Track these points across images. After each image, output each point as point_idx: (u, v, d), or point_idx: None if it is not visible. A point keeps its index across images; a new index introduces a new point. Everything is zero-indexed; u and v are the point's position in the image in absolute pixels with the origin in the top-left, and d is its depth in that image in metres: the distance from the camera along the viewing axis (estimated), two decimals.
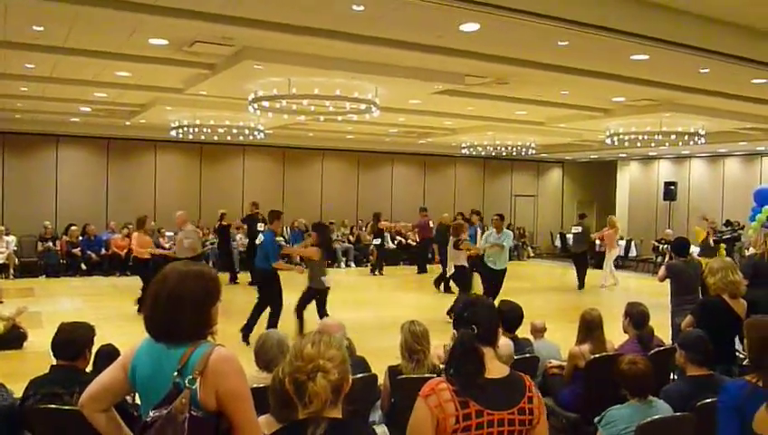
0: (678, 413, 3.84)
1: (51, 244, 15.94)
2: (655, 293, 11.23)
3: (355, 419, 2.16)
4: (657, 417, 3.74)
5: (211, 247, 17.05)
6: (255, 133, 14.82)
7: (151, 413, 2.28)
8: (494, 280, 11.45)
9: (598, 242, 17.38)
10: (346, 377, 2.11)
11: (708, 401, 3.86)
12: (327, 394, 2.01)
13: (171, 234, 14.58)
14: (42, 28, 7.57)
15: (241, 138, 15.24)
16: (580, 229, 15.83)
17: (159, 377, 2.34)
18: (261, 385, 3.65)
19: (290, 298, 9.28)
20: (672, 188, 20.07)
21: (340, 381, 2.07)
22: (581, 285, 15.27)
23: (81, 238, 16.26)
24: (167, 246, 14.93)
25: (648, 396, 3.89)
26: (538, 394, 2.53)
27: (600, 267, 16.27)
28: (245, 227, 15.85)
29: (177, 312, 2.37)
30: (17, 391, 3.95)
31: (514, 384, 2.50)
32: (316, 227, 10.43)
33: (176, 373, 2.30)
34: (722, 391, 3.26)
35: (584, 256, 15.77)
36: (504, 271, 11.49)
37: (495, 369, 2.49)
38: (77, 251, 15.99)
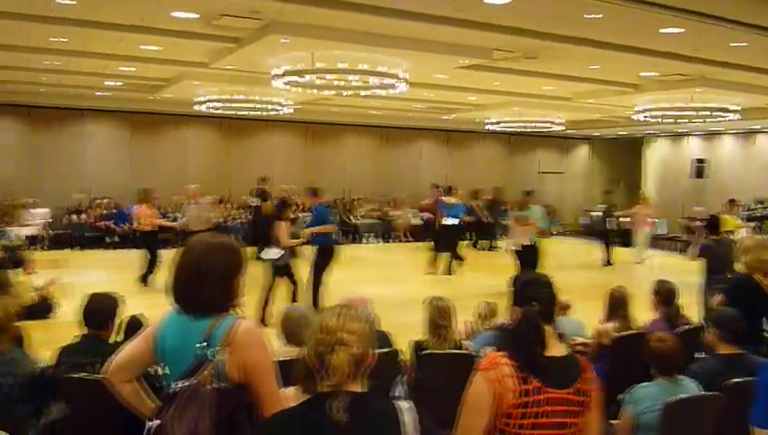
0: (707, 392, 3.78)
1: (79, 217, 16.14)
2: (683, 271, 11.08)
3: (377, 393, 2.14)
4: (684, 395, 3.69)
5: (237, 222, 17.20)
6: (281, 108, 14.81)
7: (176, 385, 2.29)
8: (522, 256, 11.47)
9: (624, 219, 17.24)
10: (369, 351, 2.09)
11: (739, 380, 3.80)
12: (347, 367, 2.00)
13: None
14: (68, 1, 7.58)
15: (266, 113, 15.24)
16: (604, 206, 15.93)
17: (185, 349, 2.35)
18: (284, 358, 3.67)
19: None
20: (702, 165, 19.73)
21: (362, 355, 2.05)
22: (608, 261, 15.20)
23: (108, 211, 16.45)
24: (171, 216, 15.13)
25: (675, 374, 3.84)
26: (594, 376, 2.53)
27: (627, 245, 16.11)
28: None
29: (202, 284, 2.37)
30: (47, 359, 4.02)
31: (573, 364, 2.51)
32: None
33: (201, 345, 2.31)
34: (762, 369, 3.20)
35: (606, 233, 15.62)
36: (531, 247, 11.48)
37: (555, 347, 2.49)
38: (105, 224, 16.18)
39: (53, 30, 8.97)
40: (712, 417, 3.76)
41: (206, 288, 2.37)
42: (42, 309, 8.49)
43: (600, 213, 16.13)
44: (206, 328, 2.34)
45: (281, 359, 3.62)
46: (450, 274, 13.19)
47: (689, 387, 3.81)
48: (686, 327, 5.44)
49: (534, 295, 2.54)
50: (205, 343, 2.31)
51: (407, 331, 5.22)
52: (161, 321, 2.47)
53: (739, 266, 5.57)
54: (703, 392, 3.78)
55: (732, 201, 13.90)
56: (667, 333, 4.12)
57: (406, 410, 2.04)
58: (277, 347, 4.09)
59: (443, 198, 13.90)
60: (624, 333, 5.24)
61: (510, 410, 2.37)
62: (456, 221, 13.21)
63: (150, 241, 11.57)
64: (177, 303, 2.43)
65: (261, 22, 8.22)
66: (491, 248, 17.74)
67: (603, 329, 5.38)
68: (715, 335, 4.15)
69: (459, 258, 13.53)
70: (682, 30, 7.85)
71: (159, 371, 2.54)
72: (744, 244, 5.47)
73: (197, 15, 8.01)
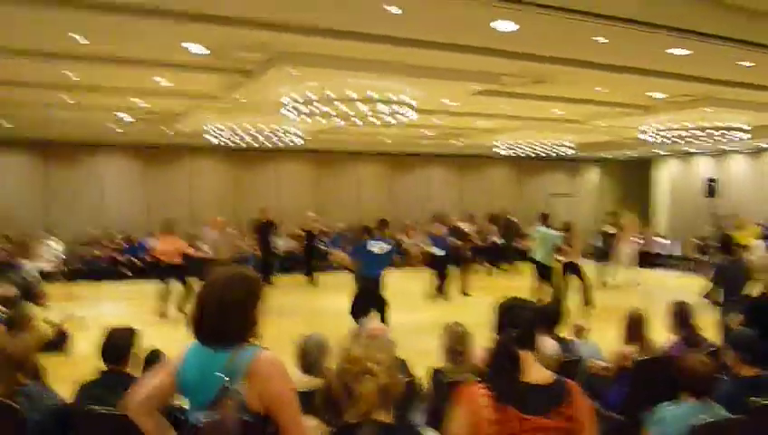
0: (733, 415, 3.71)
1: (95, 250, 16.24)
2: (698, 292, 10.96)
3: (405, 424, 2.14)
4: (711, 419, 3.62)
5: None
6: (292, 138, 14.91)
7: (199, 417, 2.29)
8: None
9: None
10: (395, 381, 2.09)
11: (766, 402, 3.75)
12: (374, 397, 1.99)
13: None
14: (80, 37, 7.69)
15: (279, 143, 15.35)
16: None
17: (206, 381, 2.36)
18: (303, 389, 3.66)
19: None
20: (713, 184, 19.59)
21: (389, 385, 2.05)
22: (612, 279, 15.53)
23: (124, 244, 16.54)
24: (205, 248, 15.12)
25: (706, 397, 3.78)
26: (585, 401, 2.43)
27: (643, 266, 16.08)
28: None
29: (225, 316, 2.39)
30: (64, 393, 4.02)
31: (557, 390, 2.41)
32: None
33: (223, 377, 2.31)
34: None
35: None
36: (541, 265, 11.86)
37: (536, 374, 2.42)
38: (120, 257, 16.26)
39: (68, 65, 9.09)
40: None
41: (228, 320, 2.38)
42: (58, 343, 8.56)
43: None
44: (228, 360, 2.34)
45: (298, 389, 3.62)
46: (441, 293, 13.42)
47: (719, 411, 3.74)
48: (709, 349, 5.39)
49: (512, 321, 2.48)
50: (227, 375, 2.31)
51: (424, 358, 5.20)
52: (183, 353, 2.48)
53: (757, 285, 5.54)
54: (729, 415, 3.72)
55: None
56: (705, 356, 4.04)
57: None
58: (294, 377, 4.08)
59: (432, 228, 13.97)
60: (646, 356, 5.19)
61: None
62: (442, 252, 13.24)
63: (179, 271, 11.58)
64: (199, 335, 2.44)
65: (269, 54, 8.32)
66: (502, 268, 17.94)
67: (625, 352, 5.33)
68: (735, 357, 4.10)
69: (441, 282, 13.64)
70: (689, 51, 7.87)
71: (181, 403, 2.55)
72: (761, 263, 5.44)
73: (205, 49, 8.11)
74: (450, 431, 2.37)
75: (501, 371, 2.37)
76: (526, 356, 2.41)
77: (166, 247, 11.61)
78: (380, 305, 9.29)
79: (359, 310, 9.19)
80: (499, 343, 2.44)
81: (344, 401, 2.04)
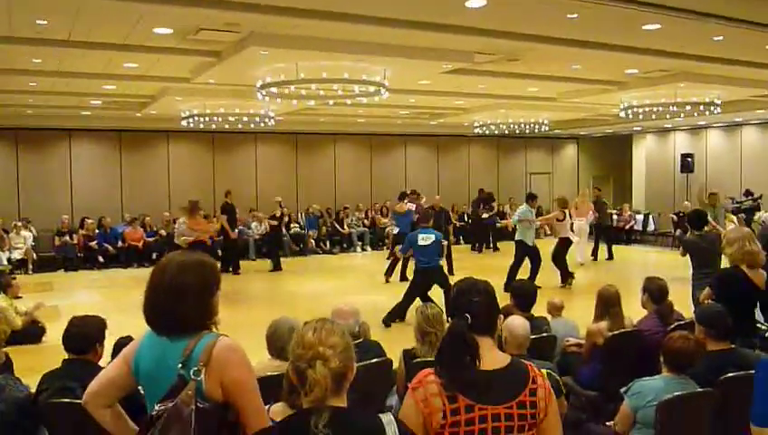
0: (701, 389, 3.75)
1: (68, 238, 16.03)
2: (673, 267, 11.10)
3: (359, 407, 2.10)
4: (677, 393, 3.66)
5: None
6: (266, 120, 14.79)
7: (157, 407, 2.24)
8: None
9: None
10: (349, 365, 2.05)
11: (732, 374, 3.78)
12: (327, 382, 1.96)
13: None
14: (45, 22, 7.54)
15: (252, 125, 15.20)
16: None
17: (163, 370, 2.30)
18: (274, 373, 3.63)
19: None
20: (689, 160, 19.76)
21: (343, 369, 2.02)
22: (595, 257, 15.94)
23: (97, 231, 16.35)
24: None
25: (684, 373, 3.81)
26: (546, 385, 2.35)
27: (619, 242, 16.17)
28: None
29: (179, 303, 2.32)
30: (36, 385, 3.96)
31: (515, 376, 2.32)
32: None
33: (180, 365, 2.26)
34: (760, 367, 3.12)
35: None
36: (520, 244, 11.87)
37: (492, 360, 2.33)
38: (94, 244, 16.08)
39: (37, 51, 8.91)
40: (707, 413, 3.75)
41: (182, 307, 2.31)
42: (31, 334, 8.45)
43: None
44: (185, 348, 2.29)
45: (268, 374, 3.59)
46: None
47: (693, 386, 3.78)
48: (679, 323, 5.43)
49: (466, 306, 2.37)
50: (184, 364, 2.26)
51: (402, 338, 5.19)
52: (138, 343, 2.42)
53: (725, 259, 5.57)
54: (697, 389, 3.75)
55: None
56: (690, 333, 4.06)
57: (387, 423, 2.00)
58: (266, 361, 4.05)
59: (396, 206, 13.65)
60: (617, 331, 5.21)
61: (440, 431, 2.23)
62: (396, 230, 13.07)
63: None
64: (153, 324, 2.38)
65: (239, 35, 8.20)
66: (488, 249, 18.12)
67: (596, 329, 5.35)
68: (703, 333, 4.12)
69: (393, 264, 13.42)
70: (660, 26, 7.87)
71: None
72: (729, 236, 5.46)
73: (173, 30, 7.97)
74: (402, 419, 2.26)
75: (451, 357, 2.27)
76: (482, 341, 2.32)
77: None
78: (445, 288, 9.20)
79: (411, 300, 9.18)
80: (450, 330, 2.36)
81: (299, 387, 2.00)
